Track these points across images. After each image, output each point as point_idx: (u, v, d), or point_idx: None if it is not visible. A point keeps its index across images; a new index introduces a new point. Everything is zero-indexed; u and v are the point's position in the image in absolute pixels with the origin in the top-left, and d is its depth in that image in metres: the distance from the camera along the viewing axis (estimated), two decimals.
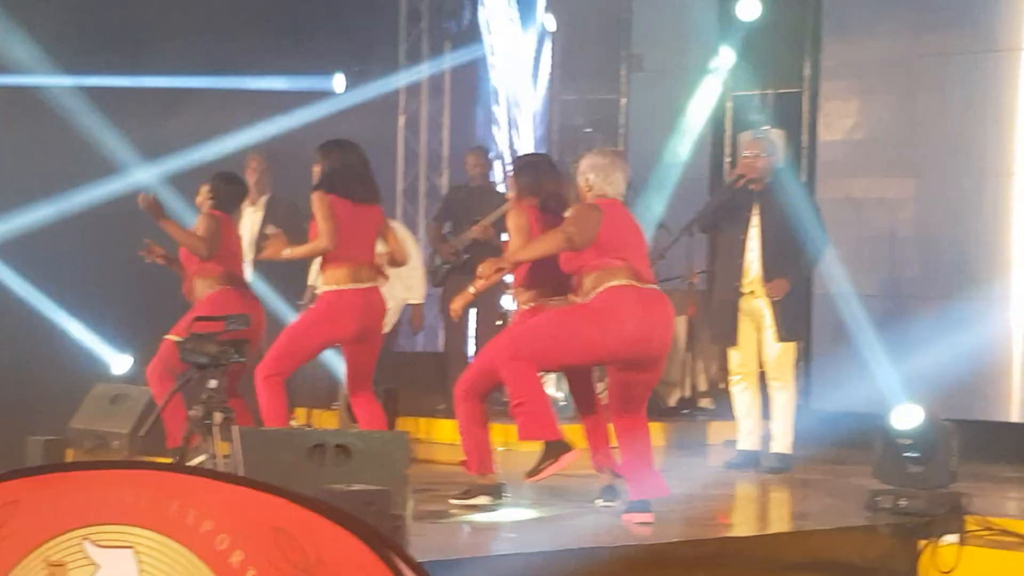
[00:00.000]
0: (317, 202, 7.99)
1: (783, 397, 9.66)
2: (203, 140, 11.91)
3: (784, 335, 9.57)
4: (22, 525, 3.75)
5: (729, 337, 9.72)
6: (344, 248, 8.04)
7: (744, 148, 9.89)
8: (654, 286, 7.25)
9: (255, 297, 9.04)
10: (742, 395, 9.80)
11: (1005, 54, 11.38)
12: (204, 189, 9.02)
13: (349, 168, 8.12)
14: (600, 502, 7.67)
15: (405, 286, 10.84)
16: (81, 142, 11.08)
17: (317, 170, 8.11)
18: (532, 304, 7.71)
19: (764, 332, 9.61)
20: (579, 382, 7.89)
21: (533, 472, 7.26)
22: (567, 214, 7.40)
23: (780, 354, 9.60)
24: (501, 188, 12.69)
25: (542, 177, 7.91)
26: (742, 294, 9.62)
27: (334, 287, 8.08)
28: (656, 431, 10.52)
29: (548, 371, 7.70)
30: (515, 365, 7.07)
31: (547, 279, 7.60)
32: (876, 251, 11.90)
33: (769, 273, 9.53)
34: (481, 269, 7.32)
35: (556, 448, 7.16)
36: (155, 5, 11.68)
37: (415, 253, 11.21)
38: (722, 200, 9.87)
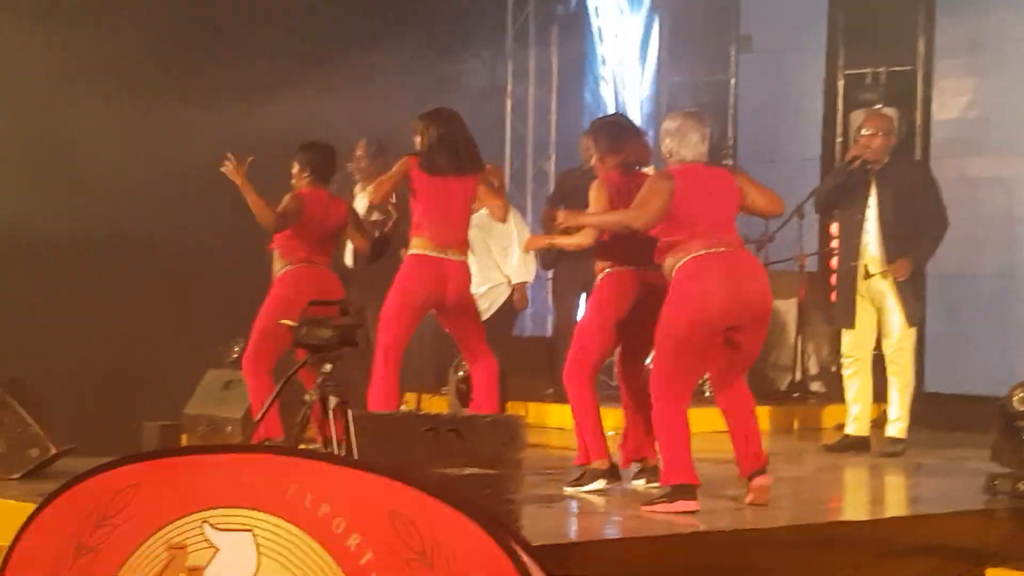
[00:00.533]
0: (397, 165, 8.21)
1: (901, 381, 9.54)
2: (308, 124, 11.96)
3: (912, 318, 9.47)
4: (142, 508, 3.80)
5: (847, 318, 9.62)
6: (425, 218, 8.18)
7: (861, 127, 9.77)
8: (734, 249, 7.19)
9: (336, 281, 9.03)
10: (853, 379, 9.70)
11: None
12: (295, 167, 9.01)
13: (443, 140, 8.16)
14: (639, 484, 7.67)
15: (509, 265, 10.85)
16: (195, 124, 11.17)
17: (418, 140, 8.18)
18: (608, 271, 7.68)
19: (887, 315, 9.49)
20: (631, 369, 7.85)
21: (647, 503, 7.18)
22: (645, 184, 7.29)
23: (902, 337, 9.49)
24: None
25: (623, 135, 7.88)
26: (861, 274, 9.52)
27: (411, 252, 8.26)
28: (767, 415, 10.48)
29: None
30: (661, 407, 7.05)
31: (619, 249, 7.59)
32: (991, 231, 11.73)
33: (890, 253, 9.42)
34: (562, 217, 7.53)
35: (682, 491, 7.04)
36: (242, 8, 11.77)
37: (521, 234, 11.22)
38: (837, 181, 9.75)
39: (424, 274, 8.23)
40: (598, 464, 7.63)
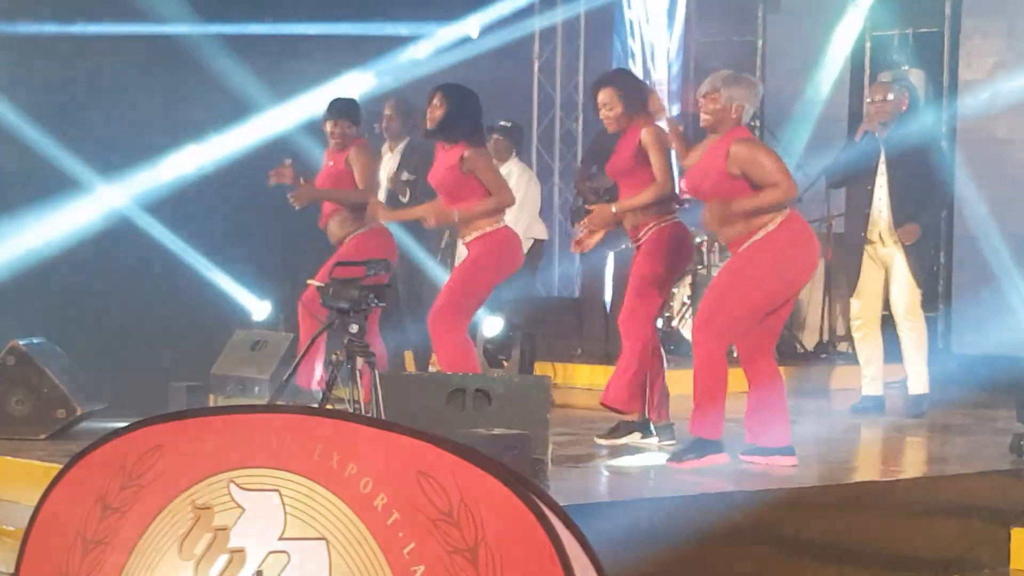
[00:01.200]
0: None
1: (915, 336, 9.55)
2: (337, 86, 11.99)
3: (919, 280, 9.48)
4: (168, 469, 3.81)
5: (851, 284, 9.64)
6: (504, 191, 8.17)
7: (870, 94, 9.71)
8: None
9: (390, 236, 9.09)
10: (864, 342, 9.72)
11: None
12: (338, 124, 9.00)
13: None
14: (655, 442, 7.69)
15: (523, 224, 10.85)
16: (218, 92, 11.19)
17: (440, 114, 8.02)
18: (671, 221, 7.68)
19: (896, 277, 9.49)
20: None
21: (674, 459, 7.22)
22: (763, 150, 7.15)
23: (910, 297, 9.50)
24: None
25: (647, 88, 7.98)
26: (870, 242, 9.51)
27: (504, 225, 8.11)
28: (794, 375, 10.48)
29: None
30: (705, 351, 7.01)
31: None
32: (1020, 191, 11.68)
33: (898, 219, 9.41)
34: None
35: (709, 446, 7.09)
36: None
37: (533, 193, 11.24)
38: (849, 157, 9.72)
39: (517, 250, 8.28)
40: (631, 417, 7.75)
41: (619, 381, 7.69)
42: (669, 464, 7.19)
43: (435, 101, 8.03)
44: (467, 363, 7.84)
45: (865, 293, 9.63)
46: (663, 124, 7.73)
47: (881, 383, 9.76)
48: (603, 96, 7.74)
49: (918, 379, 9.59)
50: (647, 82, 14.40)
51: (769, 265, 6.98)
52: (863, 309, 9.68)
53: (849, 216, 9.94)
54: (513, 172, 11.04)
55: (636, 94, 7.77)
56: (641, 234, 7.71)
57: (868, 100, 9.70)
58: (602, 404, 7.77)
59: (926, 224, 9.53)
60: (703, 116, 7.14)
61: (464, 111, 8.00)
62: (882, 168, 9.46)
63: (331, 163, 9.14)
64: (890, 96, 9.54)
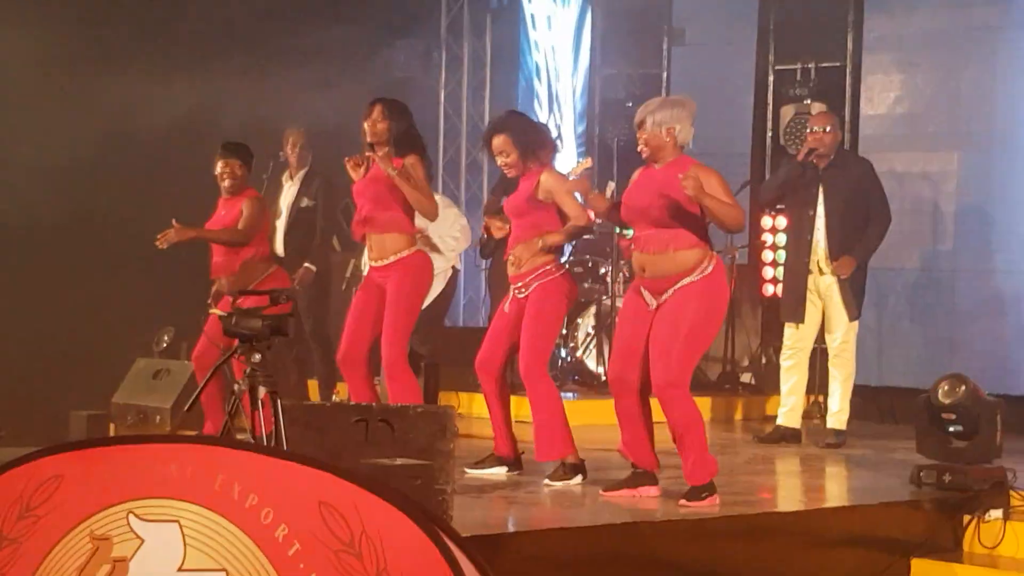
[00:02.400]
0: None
1: (844, 374, 9.68)
2: (240, 111, 11.93)
3: (854, 313, 9.58)
4: (66, 499, 3.76)
5: (797, 314, 9.71)
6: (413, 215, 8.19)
7: (813, 123, 9.85)
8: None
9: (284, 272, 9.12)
10: (792, 372, 9.80)
11: None
12: (230, 163, 8.92)
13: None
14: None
15: (448, 250, 10.84)
16: (117, 114, 11.09)
17: (384, 127, 7.99)
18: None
19: (832, 309, 9.61)
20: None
21: (609, 488, 7.27)
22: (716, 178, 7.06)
23: (846, 332, 9.62)
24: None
25: (540, 134, 7.95)
26: (809, 271, 9.63)
27: (420, 249, 8.18)
28: (698, 406, 10.53)
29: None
30: (684, 405, 7.02)
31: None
32: (918, 225, 11.83)
33: (835, 250, 9.54)
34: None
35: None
36: None
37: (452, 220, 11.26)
38: (788, 175, 9.82)
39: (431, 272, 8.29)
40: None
41: (551, 432, 7.64)
42: (604, 493, 7.24)
43: (375, 115, 8.01)
44: (417, 394, 8.02)
45: (803, 322, 9.72)
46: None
47: (799, 414, 9.86)
48: (497, 143, 7.71)
49: (840, 415, 9.70)
50: (552, 115, 14.50)
51: (710, 310, 7.04)
52: (798, 339, 9.76)
53: (791, 243, 10.01)
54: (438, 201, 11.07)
55: (530, 138, 7.76)
56: (529, 280, 7.67)
57: (808, 129, 9.82)
58: (548, 460, 7.74)
59: (862, 257, 9.65)
60: (640, 147, 7.15)
61: (408, 123, 8.07)
62: (821, 198, 9.60)
63: (223, 212, 8.99)
64: (828, 128, 9.70)
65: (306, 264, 10.45)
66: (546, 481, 7.57)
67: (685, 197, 6.91)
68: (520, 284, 7.71)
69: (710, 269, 7.01)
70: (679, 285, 6.98)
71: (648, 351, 7.06)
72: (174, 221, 8.64)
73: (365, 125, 8.06)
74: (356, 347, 8.03)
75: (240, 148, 9.04)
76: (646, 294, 7.10)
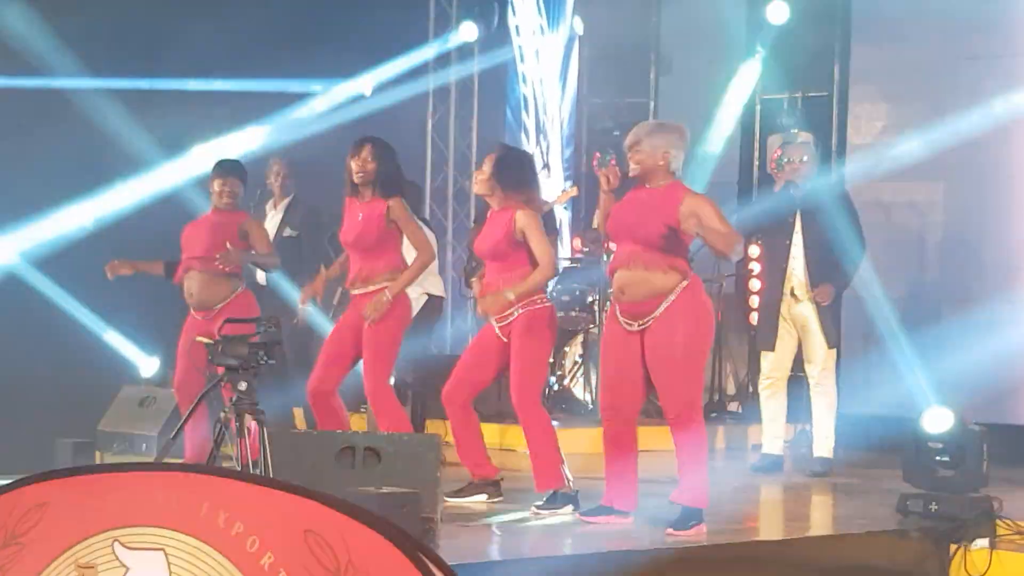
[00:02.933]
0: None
1: (826, 402, 9.70)
2: (228, 142, 11.95)
3: (832, 341, 9.61)
4: (52, 527, 3.75)
5: (768, 341, 9.73)
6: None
7: (785, 155, 9.86)
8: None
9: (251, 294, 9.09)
10: (771, 399, 9.83)
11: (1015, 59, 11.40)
12: (227, 182, 8.91)
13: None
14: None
15: (428, 284, 10.82)
16: (109, 146, 11.08)
17: (373, 167, 8.02)
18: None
19: (810, 337, 9.64)
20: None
21: (586, 513, 7.30)
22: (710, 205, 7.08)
23: (826, 360, 9.64)
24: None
25: (530, 175, 7.89)
26: (786, 298, 9.66)
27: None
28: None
29: None
30: (698, 428, 7.04)
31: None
32: (905, 254, 11.86)
33: (814, 278, 9.57)
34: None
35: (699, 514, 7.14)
36: (180, 8, 11.69)
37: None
38: (764, 206, 9.87)
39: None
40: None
41: (548, 463, 7.61)
42: (581, 518, 7.26)
43: (365, 154, 8.02)
44: (405, 423, 8.03)
45: (778, 350, 9.75)
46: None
47: (782, 442, 9.90)
48: (485, 163, 7.82)
49: (826, 443, 9.72)
50: (539, 144, 14.53)
51: (698, 324, 7.04)
52: (774, 367, 9.79)
53: (766, 272, 10.03)
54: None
55: (515, 172, 7.74)
56: (510, 315, 7.62)
57: (786, 160, 9.84)
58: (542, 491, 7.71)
59: (841, 285, 9.68)
60: (632, 167, 7.13)
61: (395, 165, 8.09)
62: (798, 226, 9.63)
63: (205, 229, 8.90)
64: (805, 158, 9.74)
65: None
66: (535, 508, 7.53)
67: (674, 221, 6.91)
68: (505, 318, 7.65)
69: (686, 284, 7.00)
70: (660, 310, 6.97)
71: (636, 378, 7.08)
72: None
73: (353, 164, 8.07)
74: (329, 379, 8.05)
75: (235, 165, 9.06)
76: (622, 319, 7.08)
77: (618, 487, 7.23)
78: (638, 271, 7.00)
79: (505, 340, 7.67)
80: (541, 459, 7.61)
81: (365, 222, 8.01)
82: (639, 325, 7.01)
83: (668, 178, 7.12)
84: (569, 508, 7.54)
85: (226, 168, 8.99)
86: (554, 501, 7.56)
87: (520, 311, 7.60)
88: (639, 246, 7.03)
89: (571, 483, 7.60)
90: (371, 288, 8.02)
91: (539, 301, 7.67)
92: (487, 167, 7.78)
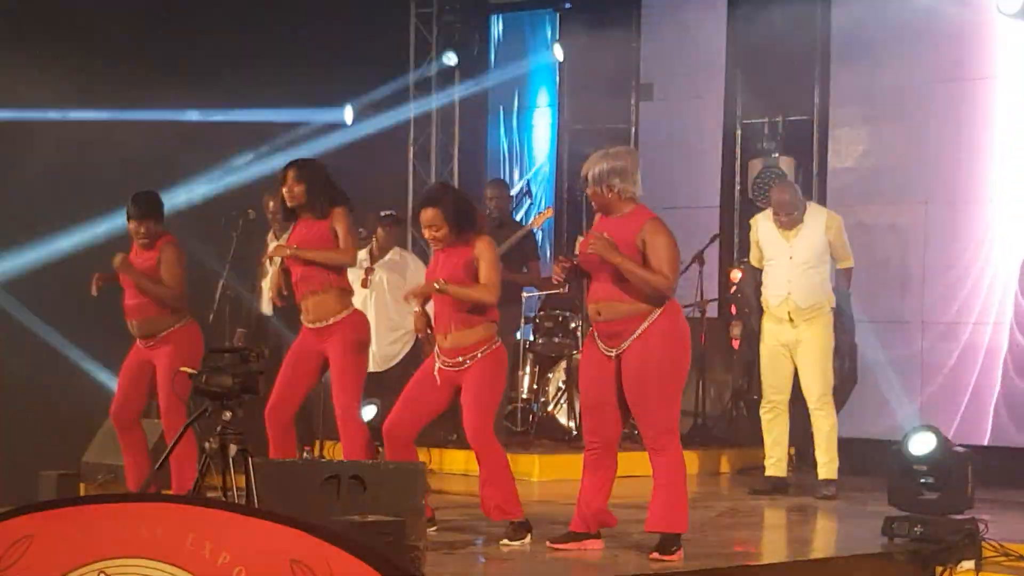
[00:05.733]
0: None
1: (827, 425, 9.78)
2: (213, 173, 11.95)
3: (829, 365, 9.78)
4: (37, 559, 3.74)
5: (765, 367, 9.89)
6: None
7: (775, 192, 9.99)
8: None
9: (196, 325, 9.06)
10: (773, 424, 9.88)
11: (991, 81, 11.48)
12: (142, 223, 8.81)
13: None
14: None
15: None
16: (91, 175, 11.07)
17: (300, 189, 8.10)
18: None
19: (805, 363, 9.70)
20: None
21: (555, 540, 7.27)
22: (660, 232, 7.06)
23: (823, 383, 9.70)
24: (519, 219, 12.75)
25: (472, 210, 7.76)
26: (783, 322, 9.71)
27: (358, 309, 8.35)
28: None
29: None
30: (676, 454, 7.05)
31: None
32: (887, 277, 11.88)
33: (808, 301, 9.62)
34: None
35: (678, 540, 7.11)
36: (164, 39, 11.70)
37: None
38: (757, 237, 9.97)
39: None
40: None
41: (504, 494, 7.51)
42: (551, 545, 7.21)
43: (289, 179, 8.11)
44: (368, 448, 8.02)
45: (776, 373, 9.81)
46: None
47: (785, 465, 9.94)
48: (427, 216, 7.53)
49: (831, 465, 9.76)
50: (520, 169, 14.56)
51: (675, 347, 7.04)
52: (774, 391, 9.85)
53: (765, 296, 10.03)
54: (407, 259, 11.12)
55: (463, 214, 7.56)
56: (464, 359, 7.50)
57: (776, 198, 9.94)
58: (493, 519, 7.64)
59: (836, 305, 9.76)
60: (594, 206, 7.18)
61: (323, 179, 8.12)
62: (790, 253, 9.70)
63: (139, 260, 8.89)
64: (788, 197, 9.83)
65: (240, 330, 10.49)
66: (504, 542, 7.47)
67: (634, 250, 6.93)
68: (456, 360, 7.53)
69: (661, 309, 6.99)
70: (636, 334, 6.97)
71: (616, 402, 7.08)
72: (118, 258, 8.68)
73: (283, 191, 8.15)
74: (286, 404, 8.08)
75: (148, 203, 8.89)
76: (601, 344, 7.08)
77: (590, 512, 7.21)
78: (613, 302, 7.01)
79: (439, 381, 7.55)
80: (498, 491, 7.48)
81: (316, 238, 8.05)
82: (616, 350, 7.01)
83: (628, 205, 7.10)
84: (528, 537, 7.47)
85: (141, 208, 8.85)
86: (513, 532, 7.48)
87: (469, 362, 7.49)
88: (610, 277, 7.03)
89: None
90: (323, 324, 8.07)
91: (492, 344, 7.55)
92: (437, 223, 7.51)
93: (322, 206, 8.08)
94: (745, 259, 10.64)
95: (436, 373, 7.56)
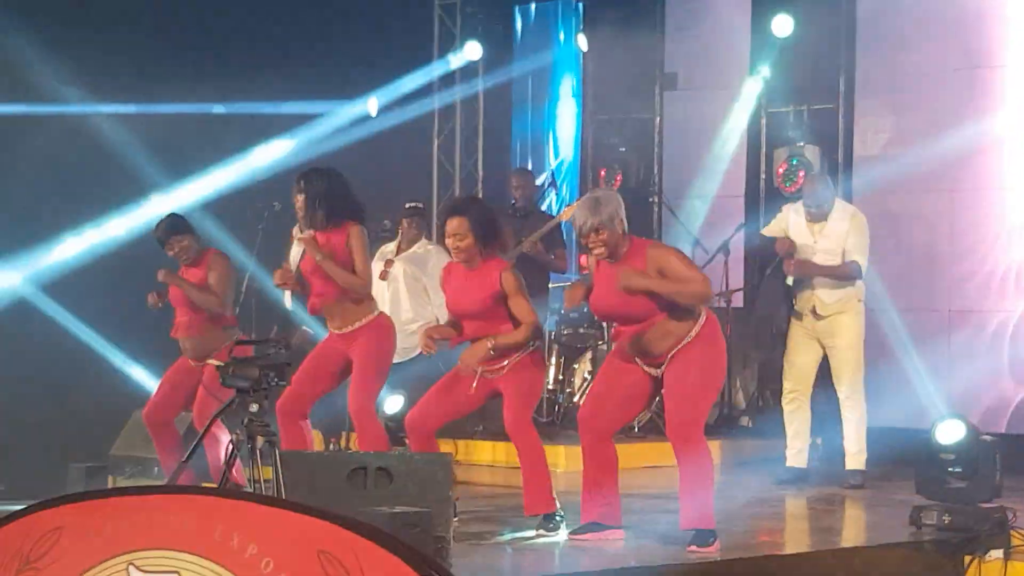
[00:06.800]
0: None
1: (856, 416, 9.77)
2: (238, 165, 11.98)
3: (859, 356, 9.73)
4: (66, 551, 3.76)
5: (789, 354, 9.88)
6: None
7: (807, 185, 9.97)
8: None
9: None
10: (795, 414, 9.86)
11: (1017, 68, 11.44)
12: (173, 243, 8.82)
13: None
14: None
15: (438, 304, 10.83)
16: (118, 170, 11.11)
17: (302, 199, 7.98)
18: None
19: (836, 353, 9.68)
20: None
21: (575, 531, 7.27)
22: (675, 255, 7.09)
23: (853, 373, 9.70)
24: (544, 209, 12.76)
25: (498, 225, 7.67)
26: (807, 315, 9.70)
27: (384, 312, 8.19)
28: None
29: None
30: (701, 447, 7.03)
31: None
32: (913, 265, 11.85)
33: (833, 296, 9.60)
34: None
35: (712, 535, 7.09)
36: (189, 33, 11.73)
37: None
38: (784, 225, 9.93)
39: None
40: None
41: (543, 487, 7.51)
42: (570, 536, 7.20)
43: (296, 191, 8.00)
44: (384, 444, 7.94)
45: (798, 364, 9.79)
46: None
47: (806, 456, 9.91)
48: (453, 225, 7.45)
49: (860, 455, 9.74)
50: (546, 160, 14.56)
51: (714, 361, 7.09)
52: (796, 382, 9.83)
53: (793, 287, 10.02)
54: (431, 252, 11.08)
55: (488, 226, 7.49)
56: (503, 365, 7.42)
57: (807, 189, 9.92)
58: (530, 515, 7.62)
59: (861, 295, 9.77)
60: (597, 252, 7.03)
61: (323, 189, 7.93)
62: (816, 246, 9.68)
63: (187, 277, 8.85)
64: (821, 190, 9.78)
65: (303, 327, 10.42)
66: (541, 530, 7.49)
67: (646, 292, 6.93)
68: (493, 369, 7.47)
69: (701, 323, 7.01)
70: (675, 351, 6.99)
71: (623, 401, 7.16)
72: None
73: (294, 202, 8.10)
74: (300, 399, 7.97)
75: (173, 224, 8.89)
76: (642, 364, 7.11)
77: (600, 502, 7.21)
78: (645, 338, 7.01)
79: (477, 389, 7.49)
80: (532, 483, 7.49)
81: (325, 250, 7.93)
82: (658, 371, 7.04)
83: (626, 242, 7.07)
84: (562, 529, 7.45)
85: (168, 231, 8.84)
86: (549, 524, 7.47)
87: (508, 366, 7.44)
88: (634, 324, 7.03)
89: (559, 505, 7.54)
90: (349, 329, 7.98)
91: (529, 347, 7.48)
92: (462, 233, 7.43)
93: (325, 219, 7.95)
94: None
95: (474, 384, 7.49)
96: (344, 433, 10.40)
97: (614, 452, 7.27)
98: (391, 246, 10.97)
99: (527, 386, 7.51)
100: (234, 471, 7.04)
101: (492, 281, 7.40)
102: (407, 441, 7.77)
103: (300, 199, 7.99)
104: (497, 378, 7.46)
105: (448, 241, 7.51)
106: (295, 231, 10.27)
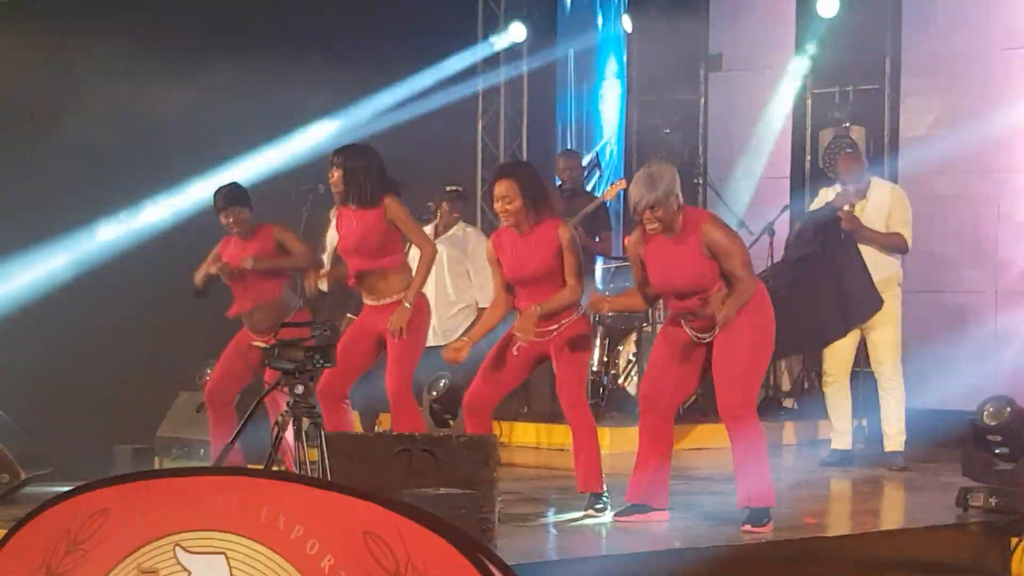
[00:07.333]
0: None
1: (895, 398, 9.75)
2: (283, 147, 11.99)
3: (898, 338, 9.71)
4: (113, 532, 3.78)
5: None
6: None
7: (842, 163, 9.89)
8: None
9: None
10: (835, 396, 9.83)
11: None
12: (229, 212, 8.73)
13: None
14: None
15: (478, 287, 10.83)
16: (161, 154, 11.14)
17: (339, 175, 7.92)
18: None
19: (876, 336, 9.64)
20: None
21: (620, 513, 7.25)
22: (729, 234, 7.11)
23: (893, 356, 9.65)
24: (589, 190, 12.74)
25: (547, 188, 7.65)
26: None
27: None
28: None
29: None
30: (752, 425, 7.02)
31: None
32: (960, 247, 11.79)
33: (875, 275, 9.57)
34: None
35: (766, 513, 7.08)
36: (232, 15, 11.75)
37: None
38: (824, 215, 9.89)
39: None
40: None
41: (596, 464, 7.46)
42: (615, 519, 7.19)
43: (333, 168, 7.95)
44: (421, 425, 7.96)
45: (837, 348, 9.77)
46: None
47: (849, 437, 9.90)
48: (502, 188, 7.35)
49: (899, 437, 9.71)
50: (589, 141, 14.53)
51: (763, 332, 7.04)
52: (834, 365, 9.81)
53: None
54: (470, 235, 11.08)
55: (537, 188, 7.40)
56: (553, 328, 7.33)
57: (842, 167, 9.88)
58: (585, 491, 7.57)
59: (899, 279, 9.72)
60: (651, 228, 6.97)
61: (363, 165, 7.89)
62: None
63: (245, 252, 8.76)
64: (855, 167, 9.73)
65: (348, 315, 10.44)
66: (590, 511, 7.47)
67: (703, 260, 6.93)
68: (544, 331, 7.35)
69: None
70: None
71: (681, 375, 7.14)
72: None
73: (329, 178, 8.05)
74: (340, 380, 7.93)
75: (232, 193, 8.79)
76: (691, 332, 7.08)
77: (649, 483, 7.20)
78: (705, 308, 7.00)
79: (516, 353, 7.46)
80: (584, 461, 7.42)
81: (361, 227, 7.89)
82: (709, 336, 7.01)
83: (680, 216, 7.02)
84: (609, 510, 7.41)
85: (225, 199, 8.75)
86: (596, 503, 7.44)
87: (558, 329, 7.36)
88: (687, 297, 7.03)
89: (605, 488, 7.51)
90: (385, 301, 7.95)
91: (576, 314, 7.42)
92: (511, 195, 7.34)
93: (364, 195, 7.89)
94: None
95: (516, 349, 7.47)
96: (379, 414, 10.40)
97: (672, 432, 7.26)
98: (428, 228, 10.99)
99: (579, 361, 7.44)
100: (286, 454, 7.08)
101: (552, 239, 7.33)
102: (451, 423, 7.78)
103: (337, 174, 7.94)
104: (548, 340, 7.37)
105: (497, 205, 7.43)
106: (332, 213, 10.31)
